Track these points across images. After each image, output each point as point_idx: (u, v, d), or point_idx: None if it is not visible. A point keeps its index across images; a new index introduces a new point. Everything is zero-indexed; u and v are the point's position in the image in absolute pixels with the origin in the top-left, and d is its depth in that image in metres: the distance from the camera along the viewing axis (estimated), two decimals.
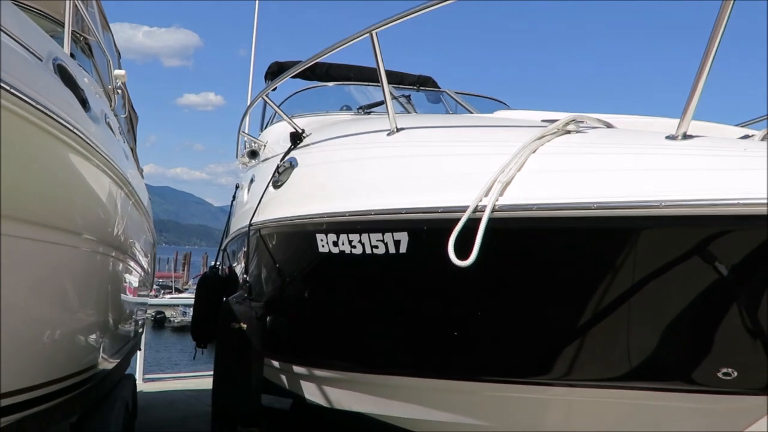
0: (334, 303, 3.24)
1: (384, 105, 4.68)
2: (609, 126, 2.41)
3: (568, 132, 2.27)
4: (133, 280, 5.40)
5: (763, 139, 2.20)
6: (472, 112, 5.24)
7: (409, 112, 5.04)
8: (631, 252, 2.00)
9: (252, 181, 4.95)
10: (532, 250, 2.20)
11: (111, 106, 4.21)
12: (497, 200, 2.09)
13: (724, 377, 2.12)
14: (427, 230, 2.34)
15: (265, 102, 5.77)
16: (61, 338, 3.15)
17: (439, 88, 6.60)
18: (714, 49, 1.84)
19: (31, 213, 2.08)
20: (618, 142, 2.16)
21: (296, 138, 3.91)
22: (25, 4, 4.19)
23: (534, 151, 2.18)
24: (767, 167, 1.72)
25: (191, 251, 64.73)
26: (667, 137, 2.02)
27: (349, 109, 5.37)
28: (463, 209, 2.13)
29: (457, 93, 5.88)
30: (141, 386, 9.69)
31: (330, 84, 6.18)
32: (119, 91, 4.22)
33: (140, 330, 7.25)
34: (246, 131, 5.83)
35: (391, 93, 5.14)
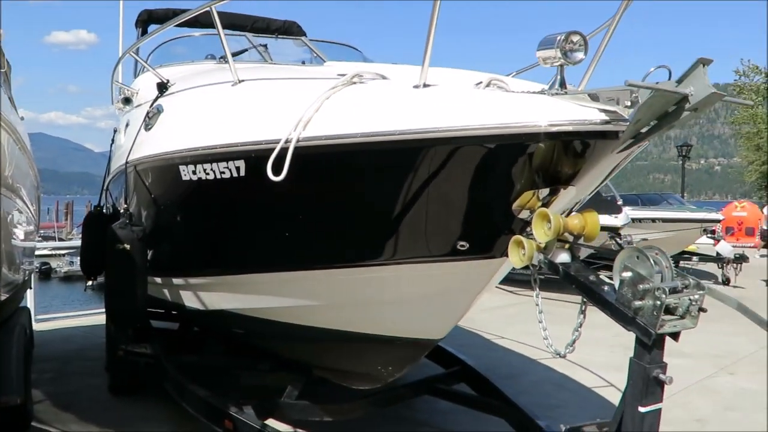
0: (198, 220, 4.11)
1: (243, 53, 5.47)
2: (384, 78, 3.34)
3: (354, 83, 3.20)
4: (20, 215, 5.92)
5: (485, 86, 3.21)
6: (323, 59, 6.07)
7: (266, 61, 5.82)
8: (384, 166, 3.00)
9: (127, 125, 5.62)
10: (326, 166, 3.14)
11: None
12: (300, 134, 3.01)
13: (461, 248, 3.18)
14: (255, 157, 3.22)
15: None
16: None
17: (301, 35, 7.39)
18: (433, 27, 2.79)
19: None
20: (382, 91, 3.12)
21: (162, 87, 4.64)
22: None
23: (328, 98, 3.10)
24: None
25: (73, 200, 62.14)
26: (415, 86, 2.98)
27: (213, 58, 6.06)
28: (277, 141, 3.04)
29: (311, 41, 6.68)
30: (35, 326, 10.14)
31: (196, 33, 6.79)
32: None
33: (31, 267, 7.70)
34: (120, 78, 6.40)
35: (251, 42, 5.92)
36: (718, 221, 14.83)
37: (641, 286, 2.28)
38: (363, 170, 3.06)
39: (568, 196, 2.84)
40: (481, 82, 3.22)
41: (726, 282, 14.58)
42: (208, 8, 3.64)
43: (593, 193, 3.71)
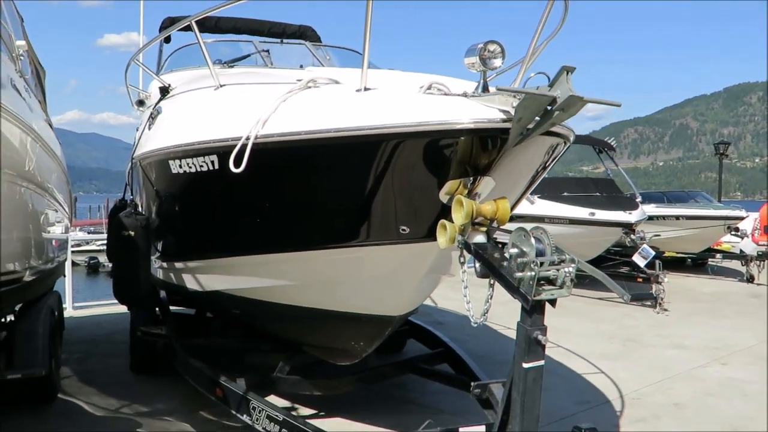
0: (186, 208, 4.63)
1: (245, 59, 5.98)
2: (336, 83, 3.78)
3: (309, 87, 3.66)
4: (50, 209, 6.54)
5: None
6: (322, 63, 6.53)
7: (267, 65, 6.31)
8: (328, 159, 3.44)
9: (141, 124, 6.19)
10: (280, 161, 3.60)
11: (16, 69, 5.29)
12: (258, 132, 3.48)
13: (403, 232, 3.59)
14: (224, 153, 3.69)
15: (159, 52, 6.99)
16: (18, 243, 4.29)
17: (315, 40, 7.92)
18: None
19: None
20: (328, 94, 3.57)
21: (164, 91, 5.18)
22: None
23: (284, 101, 3.56)
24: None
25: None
26: (357, 90, 3.41)
27: (220, 62, 6.59)
28: (239, 139, 3.52)
29: (315, 45, 7.16)
30: (71, 312, 10.91)
31: (209, 40, 7.33)
32: (22, 58, 5.30)
33: (63, 257, 8.35)
34: (140, 82, 7.00)
35: (256, 48, 6.43)
36: (742, 219, 14.78)
37: (520, 259, 2.67)
38: (310, 164, 3.51)
39: (488, 184, 3.22)
40: (423, 86, 3.62)
41: (750, 279, 14.54)
42: (204, 15, 4.11)
43: (535, 184, 4.09)
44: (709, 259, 16.49)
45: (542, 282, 2.71)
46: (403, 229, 3.57)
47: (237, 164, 3.42)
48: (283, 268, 4.26)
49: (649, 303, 11.38)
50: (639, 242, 11.42)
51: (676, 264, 16.78)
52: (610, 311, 11.18)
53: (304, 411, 5.81)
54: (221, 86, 4.22)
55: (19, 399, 5.86)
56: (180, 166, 4.19)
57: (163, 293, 7.08)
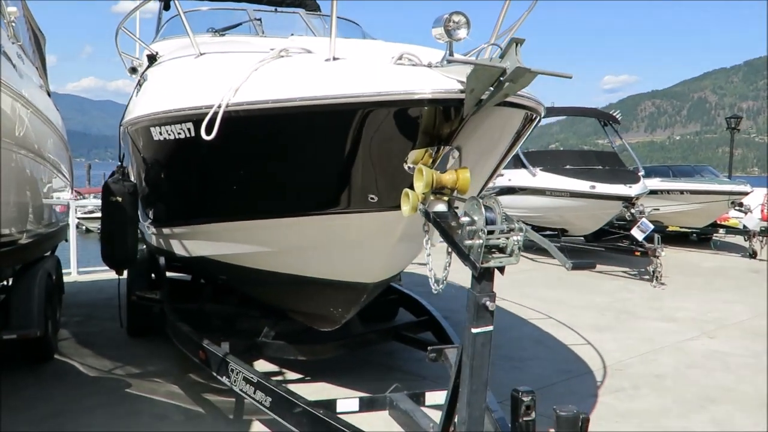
0: (168, 175, 4.72)
1: (237, 27, 6.02)
2: (309, 52, 3.83)
3: (282, 57, 3.71)
4: (45, 175, 6.65)
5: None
6: (314, 33, 6.55)
7: (257, 34, 6.33)
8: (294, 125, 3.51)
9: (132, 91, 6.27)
10: (249, 128, 3.67)
11: (8, 35, 5.35)
12: (229, 100, 3.55)
13: (371, 200, 3.66)
14: (196, 120, 3.77)
15: (159, 19, 7.05)
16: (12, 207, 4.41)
17: (314, 9, 7.93)
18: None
19: None
20: (297, 64, 3.62)
21: (151, 59, 5.24)
22: None
23: (256, 70, 3.62)
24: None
25: None
26: (326, 60, 3.46)
27: (213, 30, 6.63)
28: (211, 107, 3.59)
29: (309, 14, 7.17)
30: (76, 277, 11.14)
31: (204, 8, 7.36)
32: (13, 24, 5.37)
33: (63, 222, 8.51)
34: (136, 50, 7.06)
35: (249, 16, 6.47)
36: (746, 194, 14.71)
37: (470, 228, 2.73)
38: (278, 133, 3.58)
39: (452, 154, 3.28)
40: (394, 56, 3.66)
41: (753, 255, 14.52)
42: None
43: (508, 157, 4.14)
44: (713, 235, 16.44)
45: (494, 250, 2.78)
46: (372, 198, 3.64)
47: (208, 132, 3.50)
48: (258, 235, 4.35)
49: (647, 276, 11.45)
50: (638, 216, 11.42)
51: (680, 239, 16.77)
52: (608, 284, 11.25)
53: (291, 375, 5.97)
54: (201, 54, 4.28)
55: (16, 359, 6.06)
56: (160, 134, 4.27)
57: (162, 260, 7.22)
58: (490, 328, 2.77)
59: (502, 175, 14.95)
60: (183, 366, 5.92)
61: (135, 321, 7.07)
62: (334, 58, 3.42)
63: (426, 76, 3.09)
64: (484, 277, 2.73)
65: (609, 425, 4.90)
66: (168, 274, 7.15)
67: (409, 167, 3.31)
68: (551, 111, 15.23)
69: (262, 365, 6.09)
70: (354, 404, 3.96)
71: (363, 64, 3.40)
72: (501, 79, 2.62)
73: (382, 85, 3.12)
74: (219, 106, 3.54)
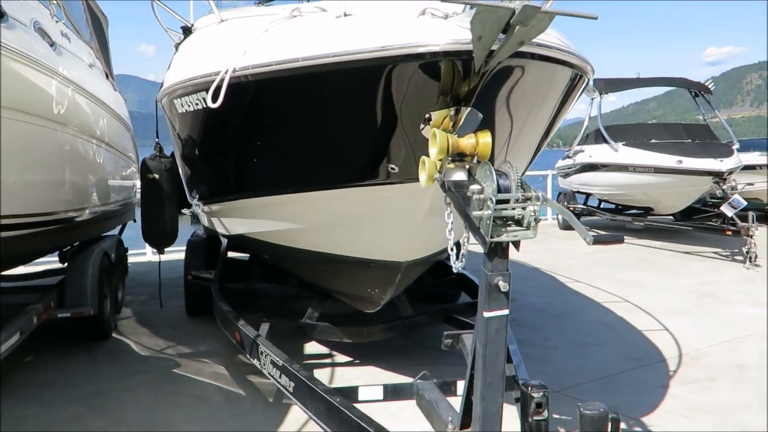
0: (196, 149, 4.55)
1: None
2: (324, 11, 3.52)
3: (294, 17, 3.42)
4: (109, 159, 6.70)
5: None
6: None
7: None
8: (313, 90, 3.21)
9: None
10: (258, 94, 3.41)
11: (50, 13, 5.32)
12: (236, 65, 3.30)
13: (392, 171, 3.34)
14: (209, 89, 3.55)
15: None
16: (49, 185, 4.48)
17: None
18: None
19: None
20: (307, 23, 3.32)
21: (186, 31, 5.08)
22: None
23: (266, 32, 3.35)
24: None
25: None
26: (337, 17, 3.15)
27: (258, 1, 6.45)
28: (218, 73, 3.35)
29: None
30: (150, 257, 11.37)
31: None
32: (56, 3, 5.34)
33: (127, 201, 8.59)
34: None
35: None
36: None
37: (478, 196, 2.37)
38: (287, 97, 3.30)
39: (472, 116, 2.90)
40: (418, 12, 3.31)
41: None
42: None
43: (557, 124, 3.72)
44: None
45: (509, 222, 2.41)
46: (392, 168, 3.32)
47: (214, 99, 3.27)
48: (285, 211, 4.11)
49: (740, 258, 10.54)
50: (730, 192, 10.50)
51: None
52: (696, 265, 10.43)
53: (340, 358, 5.75)
54: (222, 21, 4.07)
55: (73, 338, 6.15)
56: (182, 105, 4.10)
57: (221, 238, 7.15)
58: (506, 312, 2.41)
59: (582, 151, 14.19)
60: (232, 347, 5.82)
61: (191, 301, 7.06)
62: (345, 14, 3.11)
63: (437, 27, 2.73)
64: (495, 253, 2.36)
65: (677, 420, 4.40)
66: (230, 254, 7.09)
67: (429, 133, 2.96)
68: (634, 82, 14.29)
69: (313, 347, 5.92)
70: (378, 392, 3.67)
71: (372, 19, 3.06)
72: (510, 23, 2.23)
73: (386, 40, 2.79)
74: (226, 72, 3.30)
